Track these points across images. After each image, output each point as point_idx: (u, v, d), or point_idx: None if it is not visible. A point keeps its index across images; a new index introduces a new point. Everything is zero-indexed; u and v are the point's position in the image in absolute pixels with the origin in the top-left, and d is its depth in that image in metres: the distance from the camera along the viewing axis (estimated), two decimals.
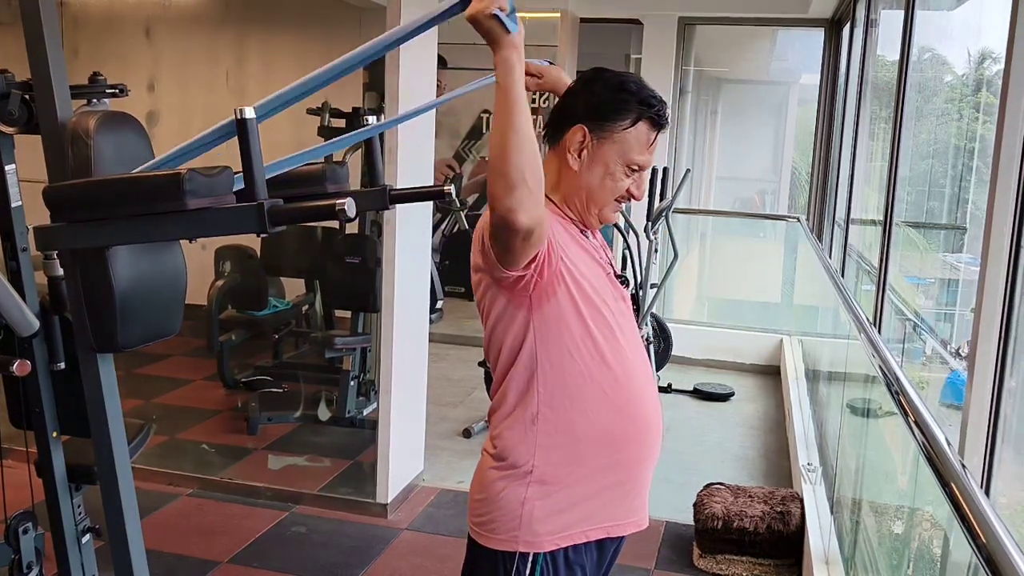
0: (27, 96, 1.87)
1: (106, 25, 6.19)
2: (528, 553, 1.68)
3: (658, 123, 1.70)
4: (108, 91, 1.98)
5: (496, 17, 1.41)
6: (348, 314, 4.69)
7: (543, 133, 1.78)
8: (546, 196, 1.73)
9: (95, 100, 1.95)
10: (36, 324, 1.94)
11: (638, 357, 1.76)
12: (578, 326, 1.66)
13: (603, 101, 1.69)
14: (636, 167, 1.70)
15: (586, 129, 1.68)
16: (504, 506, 1.69)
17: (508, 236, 1.50)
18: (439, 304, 4.99)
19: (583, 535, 1.72)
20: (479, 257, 1.65)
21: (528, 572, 1.69)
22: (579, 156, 1.69)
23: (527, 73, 1.72)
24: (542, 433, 1.67)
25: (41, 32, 1.75)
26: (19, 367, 1.93)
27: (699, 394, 5.62)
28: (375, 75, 4.60)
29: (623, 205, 1.80)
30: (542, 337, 1.65)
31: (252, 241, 4.85)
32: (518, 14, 1.44)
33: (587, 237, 1.77)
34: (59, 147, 1.72)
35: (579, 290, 1.66)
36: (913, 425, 1.62)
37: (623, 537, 1.81)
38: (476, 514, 1.74)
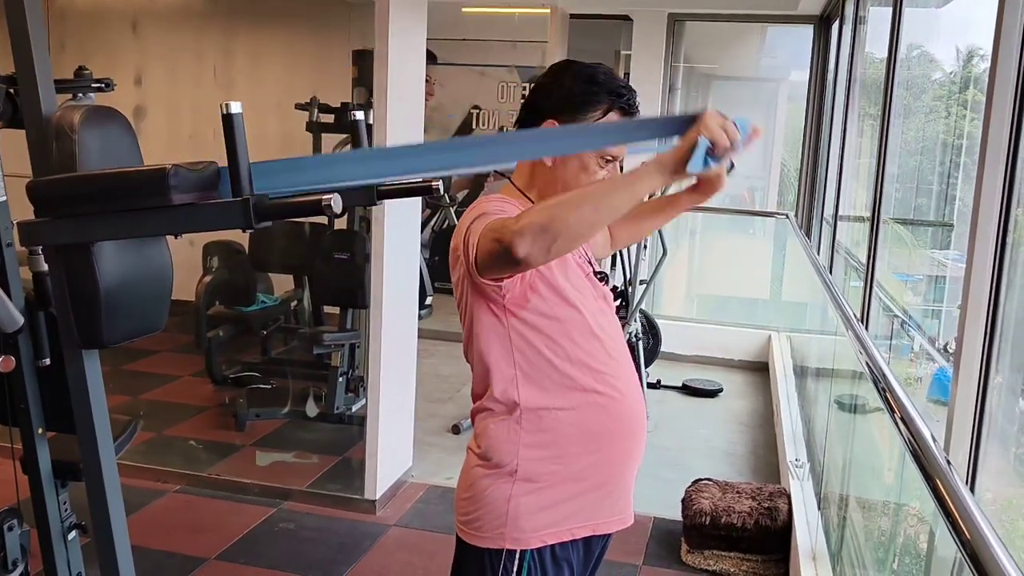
0: (11, 90, 1.85)
1: (93, 19, 6.15)
2: (515, 550, 1.68)
3: (629, 112, 1.69)
4: (94, 85, 1.96)
5: (702, 149, 1.43)
6: (337, 310, 4.68)
7: (515, 129, 1.77)
8: (522, 194, 1.73)
9: (80, 94, 1.94)
10: (21, 320, 1.93)
11: (621, 356, 1.75)
12: (555, 327, 1.66)
13: (573, 94, 1.67)
14: (610, 157, 1.69)
15: (557, 124, 1.67)
16: (490, 504, 1.69)
17: (500, 264, 1.50)
18: (428, 300, 4.98)
19: (569, 533, 1.72)
20: (455, 259, 1.65)
21: (516, 569, 1.69)
22: None
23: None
24: (525, 432, 1.67)
25: (26, 25, 1.74)
26: (3, 363, 1.92)
27: (688, 390, 5.63)
28: (364, 70, 4.59)
29: None
30: (520, 339, 1.65)
31: (240, 237, 4.84)
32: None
33: None
34: (43, 142, 1.71)
35: (556, 292, 1.66)
36: (899, 421, 1.62)
37: (610, 534, 1.81)
38: (462, 512, 1.74)
